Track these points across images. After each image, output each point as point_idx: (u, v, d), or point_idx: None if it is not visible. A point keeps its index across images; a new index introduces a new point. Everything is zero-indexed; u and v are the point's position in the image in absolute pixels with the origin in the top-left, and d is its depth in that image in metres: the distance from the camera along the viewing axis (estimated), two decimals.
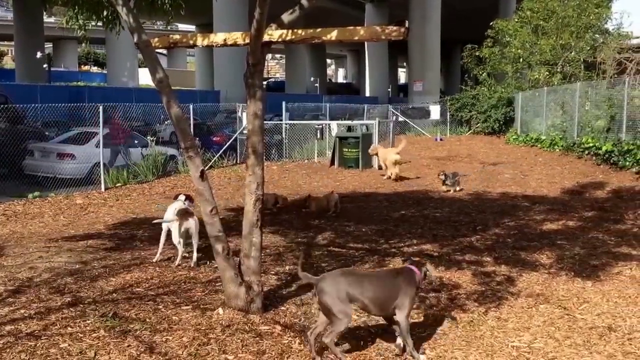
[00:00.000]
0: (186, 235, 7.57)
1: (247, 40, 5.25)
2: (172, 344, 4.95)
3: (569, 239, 9.12)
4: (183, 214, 7.62)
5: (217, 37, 5.57)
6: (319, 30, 5.07)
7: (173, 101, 5.21)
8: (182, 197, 8.29)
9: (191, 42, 5.77)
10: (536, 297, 6.40)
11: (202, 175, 5.35)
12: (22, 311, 5.65)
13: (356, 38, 5.09)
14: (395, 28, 4.79)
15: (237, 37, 5.43)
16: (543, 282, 6.95)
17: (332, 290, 4.68)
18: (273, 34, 5.16)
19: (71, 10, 7.48)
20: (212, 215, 5.41)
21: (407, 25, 4.96)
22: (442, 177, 14.48)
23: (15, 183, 14.60)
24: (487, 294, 6.48)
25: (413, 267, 4.95)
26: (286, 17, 5.23)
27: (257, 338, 5.13)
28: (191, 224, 7.54)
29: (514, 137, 27.86)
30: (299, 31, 5.16)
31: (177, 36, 5.88)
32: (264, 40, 5.12)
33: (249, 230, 5.61)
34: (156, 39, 5.90)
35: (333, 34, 5.00)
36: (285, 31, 5.15)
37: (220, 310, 5.68)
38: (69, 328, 5.18)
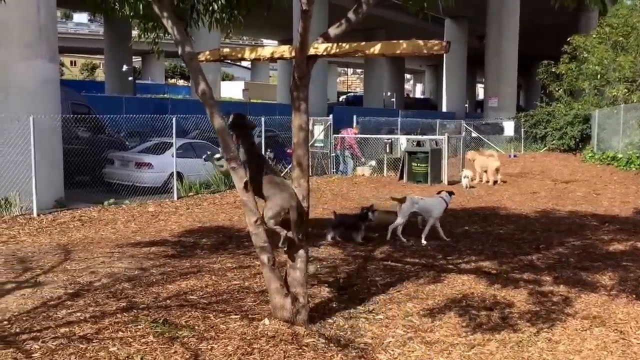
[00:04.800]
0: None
1: (293, 54, 5.34)
2: (216, 352, 5.04)
3: (635, 260, 8.74)
4: None
5: (265, 51, 5.69)
6: (363, 43, 5.11)
7: (216, 113, 5.32)
8: (444, 194, 10.55)
9: (239, 55, 5.91)
10: (592, 319, 6.17)
11: (246, 187, 5.43)
12: (79, 314, 5.88)
13: (398, 52, 5.10)
14: (436, 42, 4.78)
15: (284, 50, 5.53)
16: (602, 304, 6.69)
17: None
18: (319, 47, 5.23)
19: (140, 24, 7.60)
20: (257, 226, 5.47)
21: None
22: None
23: (94, 190, 15.36)
24: (541, 314, 6.30)
25: None
26: (333, 30, 5.30)
27: (300, 350, 5.15)
28: None
29: (590, 154, 27.09)
30: (344, 45, 5.21)
31: (227, 49, 6.03)
32: (310, 54, 5.19)
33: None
34: (207, 52, 6.06)
35: (377, 48, 5.03)
36: (330, 45, 5.20)
37: (266, 320, 5.73)
38: (120, 332, 5.35)
